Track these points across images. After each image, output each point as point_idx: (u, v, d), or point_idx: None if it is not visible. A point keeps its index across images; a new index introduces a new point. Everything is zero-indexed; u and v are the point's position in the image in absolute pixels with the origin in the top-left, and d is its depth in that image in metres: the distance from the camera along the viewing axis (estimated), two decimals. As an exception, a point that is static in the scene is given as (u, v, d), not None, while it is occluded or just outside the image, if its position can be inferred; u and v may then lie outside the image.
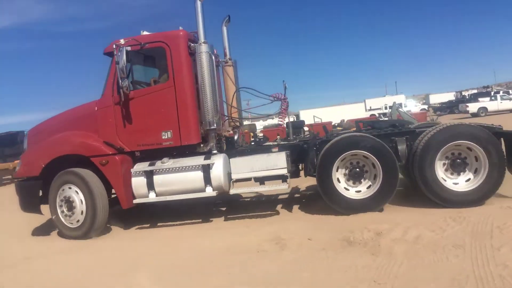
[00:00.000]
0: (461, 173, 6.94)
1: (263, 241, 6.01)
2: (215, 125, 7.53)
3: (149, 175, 7.56)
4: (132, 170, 7.65)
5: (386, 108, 43.49)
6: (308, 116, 40.64)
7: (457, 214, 6.04)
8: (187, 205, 9.91)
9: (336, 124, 25.83)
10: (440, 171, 6.90)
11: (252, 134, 27.59)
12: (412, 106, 51.33)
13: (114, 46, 7.38)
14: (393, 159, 6.90)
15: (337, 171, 7.14)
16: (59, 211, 7.72)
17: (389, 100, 48.29)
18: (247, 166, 7.56)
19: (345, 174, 7.24)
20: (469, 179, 6.87)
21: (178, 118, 7.54)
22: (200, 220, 8.05)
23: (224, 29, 9.10)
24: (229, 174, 7.54)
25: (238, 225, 7.23)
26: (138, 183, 7.59)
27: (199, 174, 7.42)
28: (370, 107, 53.62)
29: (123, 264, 5.84)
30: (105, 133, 7.79)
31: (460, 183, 6.88)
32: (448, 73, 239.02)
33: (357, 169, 7.17)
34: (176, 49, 7.57)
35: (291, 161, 7.59)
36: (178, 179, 7.52)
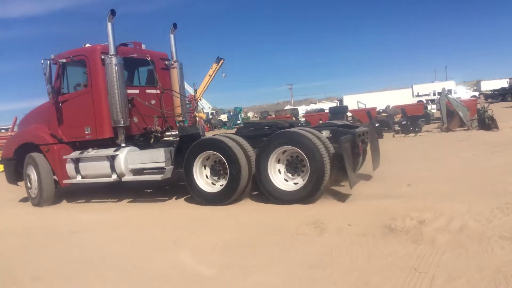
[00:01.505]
0: (298, 174, 7.64)
1: (302, 224, 6.04)
2: (122, 123, 9.15)
3: (76, 161, 9.62)
4: (65, 157, 9.72)
5: (434, 94, 42.03)
6: (352, 102, 40.00)
7: (504, 205, 5.83)
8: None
9: (381, 110, 25.26)
10: (274, 171, 7.69)
11: (294, 118, 27.68)
12: (462, 92, 49.34)
13: (42, 61, 9.32)
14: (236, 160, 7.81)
15: (201, 167, 8.35)
16: (25, 184, 10.27)
17: (438, 86, 46.60)
18: (139, 158, 9.04)
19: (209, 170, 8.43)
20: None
21: (94, 116, 9.34)
22: (241, 202, 8.15)
23: (171, 36, 10.80)
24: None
25: (277, 208, 7.26)
26: (69, 167, 9.73)
27: (108, 163, 9.23)
28: (418, 93, 51.89)
29: (166, 241, 6.04)
30: (51, 127, 10.00)
31: (295, 183, 7.62)
32: (502, 58, 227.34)
33: (218, 167, 8.27)
34: (93, 61, 9.30)
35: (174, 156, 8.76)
36: (94, 166, 9.45)
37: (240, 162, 7.78)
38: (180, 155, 8.60)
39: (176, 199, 9.35)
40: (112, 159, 9.16)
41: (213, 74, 61.44)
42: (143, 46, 10.43)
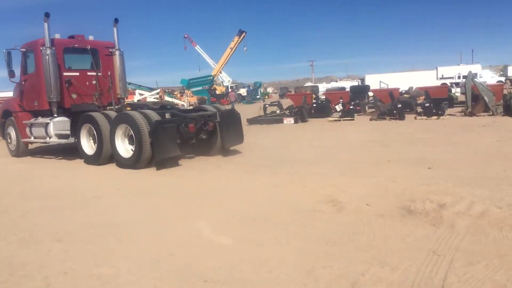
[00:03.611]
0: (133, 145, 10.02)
1: (320, 202, 6.04)
2: (54, 99, 11.83)
3: (30, 126, 12.80)
4: (24, 122, 12.91)
5: (459, 77, 41.04)
6: (374, 81, 39.37)
7: (529, 193, 5.72)
8: (245, 163, 10.12)
9: (403, 91, 24.84)
10: (121, 142, 10.33)
11: (314, 96, 27.43)
12: (488, 77, 47.92)
13: (4, 51, 12.51)
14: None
15: (87, 136, 11.32)
16: (6, 140, 14.05)
17: (463, 69, 45.43)
18: (58, 126, 11.92)
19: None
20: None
21: (38, 93, 12.20)
22: (257, 178, 8.19)
23: (114, 29, 13.26)
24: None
25: (295, 186, 7.27)
26: (26, 130, 12.95)
27: (44, 129, 12.19)
28: (442, 75, 50.66)
29: (184, 210, 6.13)
30: (20, 99, 13.26)
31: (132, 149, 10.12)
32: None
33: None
34: (36, 51, 12.03)
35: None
36: (39, 129, 12.53)
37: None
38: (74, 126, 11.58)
39: (197, 171, 9.44)
40: (46, 125, 12.07)
41: (234, 47, 61.01)
42: (91, 38, 13.14)
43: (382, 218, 5.20)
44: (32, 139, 12.91)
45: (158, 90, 41.58)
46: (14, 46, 12.55)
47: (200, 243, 4.76)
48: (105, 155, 10.63)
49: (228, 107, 46.74)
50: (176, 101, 43.07)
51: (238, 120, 11.68)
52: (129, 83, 45.73)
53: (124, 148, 10.25)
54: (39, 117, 12.53)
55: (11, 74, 12.79)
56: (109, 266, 4.21)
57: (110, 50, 13.21)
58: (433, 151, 9.93)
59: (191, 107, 14.36)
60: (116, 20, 13.21)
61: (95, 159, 10.82)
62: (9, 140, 13.77)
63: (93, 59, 12.81)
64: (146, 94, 39.51)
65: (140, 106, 12.28)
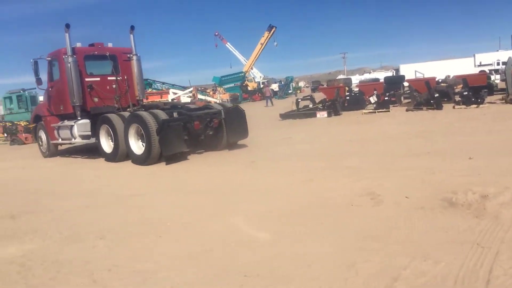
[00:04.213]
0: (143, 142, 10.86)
1: (358, 196, 5.96)
2: (77, 102, 12.90)
3: (57, 128, 13.93)
4: (52, 125, 14.09)
5: (498, 64, 39.55)
6: (409, 71, 38.46)
7: None
8: (278, 158, 10.12)
9: (440, 80, 24.11)
10: (134, 140, 11.24)
11: (347, 88, 27.08)
12: (529, 62, 46.01)
13: (31, 60, 13.53)
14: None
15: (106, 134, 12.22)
16: (39, 142, 15.16)
17: (502, 55, 43.67)
18: (81, 128, 13.02)
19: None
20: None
21: (63, 98, 13.30)
22: (291, 173, 8.16)
23: (131, 36, 14.00)
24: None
25: (331, 180, 7.20)
26: (54, 132, 14.09)
27: (69, 131, 13.34)
28: (480, 63, 48.90)
29: (220, 206, 6.19)
30: (48, 104, 14.50)
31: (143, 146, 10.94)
32: None
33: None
34: (59, 60, 13.14)
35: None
36: (65, 132, 13.63)
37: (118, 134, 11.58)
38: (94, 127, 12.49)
39: (228, 167, 9.52)
40: (71, 127, 13.25)
41: (265, 43, 61.00)
42: (110, 44, 14.03)
43: (423, 210, 5.08)
44: (60, 140, 14.08)
45: (191, 89, 42.09)
46: (40, 56, 13.70)
47: (237, 238, 4.79)
48: (122, 153, 11.57)
49: (262, 102, 46.73)
50: (209, 98, 43.50)
51: (243, 116, 12.23)
52: (163, 83, 46.60)
53: (137, 146, 11.17)
54: (65, 120, 13.69)
55: (39, 81, 13.91)
56: (150, 262, 4.30)
57: (128, 55, 14.04)
58: (473, 141, 9.63)
59: (197, 106, 15.06)
60: (132, 27, 13.96)
61: (113, 157, 11.79)
62: (40, 142, 15.03)
63: (113, 65, 13.73)
64: (180, 93, 40.09)
65: (151, 106, 12.91)
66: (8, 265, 4.57)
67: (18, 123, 23.91)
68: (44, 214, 6.68)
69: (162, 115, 10.92)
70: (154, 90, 43.45)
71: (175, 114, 11.43)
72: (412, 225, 4.63)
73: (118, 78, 13.76)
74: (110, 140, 11.99)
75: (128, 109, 13.15)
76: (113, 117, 11.85)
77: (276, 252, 4.27)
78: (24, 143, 21.16)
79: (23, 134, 21.85)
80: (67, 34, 12.58)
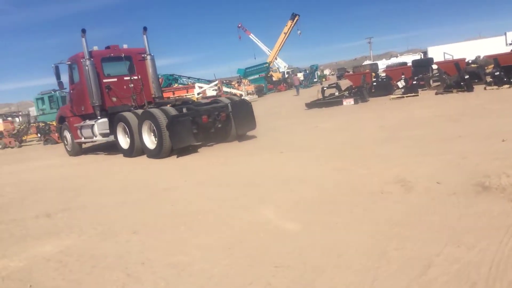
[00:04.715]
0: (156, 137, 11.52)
1: (387, 183, 5.89)
2: (96, 103, 13.58)
3: (80, 128, 14.62)
4: (75, 125, 14.79)
5: (532, 41, 38.04)
6: (438, 53, 37.49)
7: None
8: (304, 148, 10.08)
9: (470, 61, 23.44)
10: (147, 136, 11.91)
11: (374, 73, 26.73)
12: None
13: (52, 65, 14.41)
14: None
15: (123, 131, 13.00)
16: (64, 142, 15.99)
17: (536, 32, 42.03)
18: (101, 126, 13.62)
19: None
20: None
21: (83, 99, 14.01)
22: (320, 163, 8.12)
23: (144, 37, 14.62)
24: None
25: (359, 168, 7.13)
26: (78, 131, 14.78)
27: (90, 130, 13.95)
28: (512, 41, 47.20)
29: (249, 198, 6.22)
30: (70, 105, 15.37)
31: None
32: None
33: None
34: (78, 63, 13.84)
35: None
36: (86, 131, 14.28)
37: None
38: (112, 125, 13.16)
39: (255, 158, 9.55)
40: (92, 127, 13.84)
41: (288, 32, 60.62)
42: (125, 46, 14.66)
43: (455, 196, 4.98)
44: (83, 139, 14.80)
45: (216, 82, 42.27)
46: (60, 61, 14.54)
47: (268, 229, 4.81)
48: (137, 148, 12.26)
49: (287, 92, 46.47)
50: (234, 91, 43.62)
51: (250, 109, 12.77)
52: (189, 77, 47.02)
53: (150, 141, 11.84)
54: (87, 120, 14.44)
55: (60, 85, 14.84)
56: (183, 255, 4.38)
57: (142, 55, 14.69)
58: (506, 123, 9.33)
59: (208, 101, 15.30)
60: (144, 28, 14.59)
61: (130, 153, 12.52)
62: (65, 141, 15.94)
63: (128, 65, 14.46)
64: (205, 86, 40.32)
65: (163, 103, 13.39)
66: (46, 262, 4.74)
67: (51, 123, 24.58)
68: (79, 211, 6.88)
69: (172, 111, 11.53)
70: (180, 85, 43.88)
71: (184, 110, 12.03)
72: (445, 211, 4.55)
73: (134, 77, 14.39)
74: (127, 137, 12.63)
75: (144, 107, 13.77)
76: (128, 115, 12.50)
77: (306, 242, 4.27)
78: (57, 142, 21.75)
79: (56, 134, 22.47)
80: (83, 39, 13.28)
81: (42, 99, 30.78)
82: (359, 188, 5.92)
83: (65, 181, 10.28)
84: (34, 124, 26.85)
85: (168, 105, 12.50)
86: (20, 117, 41.21)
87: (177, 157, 11.04)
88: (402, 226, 4.34)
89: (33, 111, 38.57)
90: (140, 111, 12.47)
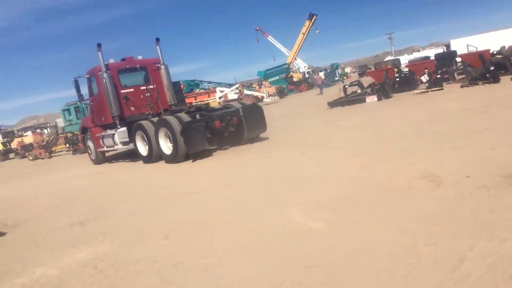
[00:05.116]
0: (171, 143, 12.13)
1: (415, 179, 5.83)
2: (115, 113, 14.15)
3: (102, 138, 15.29)
4: (97, 135, 15.49)
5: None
6: (461, 46, 36.71)
7: None
8: (327, 146, 10.05)
9: (495, 52, 22.88)
10: (163, 142, 12.50)
11: (396, 69, 26.34)
12: None
13: (72, 79, 15.14)
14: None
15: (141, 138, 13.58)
16: (88, 151, 16.71)
17: None
18: (121, 135, 14.18)
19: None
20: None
21: (103, 110, 14.56)
22: (343, 160, 8.09)
23: (157, 47, 15.17)
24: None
25: (384, 165, 7.07)
26: (100, 141, 15.43)
27: (111, 139, 14.64)
28: (538, 29, 45.81)
29: (272, 199, 6.25)
30: (91, 116, 15.92)
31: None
32: None
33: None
34: (96, 76, 14.49)
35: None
36: (108, 140, 14.98)
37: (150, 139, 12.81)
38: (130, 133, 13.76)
39: (278, 158, 9.57)
40: (112, 136, 14.50)
41: (307, 32, 60.38)
42: (140, 57, 15.24)
43: (485, 189, 4.90)
44: (105, 148, 15.47)
45: (237, 85, 42.42)
46: (79, 75, 15.25)
47: (294, 229, 4.83)
48: (155, 154, 12.80)
49: (308, 92, 46.29)
50: (255, 93, 43.70)
51: (261, 112, 13.28)
52: (210, 82, 47.36)
53: (167, 147, 12.37)
54: (108, 130, 15.07)
55: (81, 97, 15.62)
56: (213, 257, 4.44)
57: (157, 65, 15.21)
58: (536, 113, 9.11)
59: (220, 106, 15.81)
60: (157, 39, 15.21)
61: (149, 159, 13.09)
62: (89, 151, 16.63)
63: (144, 75, 15.08)
64: (226, 90, 40.51)
65: (177, 111, 13.68)
66: (82, 268, 4.87)
67: (78, 133, 25.16)
68: (111, 218, 7.04)
69: (186, 117, 12.07)
70: (202, 90, 44.23)
71: (197, 116, 12.61)
72: (475, 205, 4.48)
73: (150, 87, 14.93)
74: (145, 144, 13.21)
75: (160, 114, 14.14)
76: (145, 123, 13.05)
77: (334, 241, 4.28)
78: (85, 152, 22.25)
79: (83, 143, 22.98)
80: (99, 53, 13.86)
81: (68, 110, 31.48)
82: (385, 185, 5.88)
83: (95, 189, 10.53)
84: (62, 135, 27.52)
85: (182, 112, 12.98)
86: (48, 129, 42.40)
87: (193, 161, 11.57)
88: (431, 221, 4.29)
89: (60, 122, 39.49)
90: (156, 119, 12.98)
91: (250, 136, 12.99)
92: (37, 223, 7.61)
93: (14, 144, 31.65)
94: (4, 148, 32.06)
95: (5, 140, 33.75)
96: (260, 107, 13.61)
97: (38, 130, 41.04)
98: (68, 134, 26.33)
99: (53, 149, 26.40)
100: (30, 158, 25.81)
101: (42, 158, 25.07)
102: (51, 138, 27.51)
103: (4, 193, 12.85)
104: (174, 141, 11.80)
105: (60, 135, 27.87)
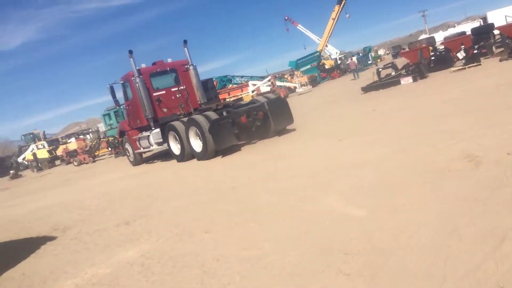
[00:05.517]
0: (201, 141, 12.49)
1: (454, 160, 5.73)
2: (149, 115, 14.76)
3: (138, 139, 15.86)
4: (133, 137, 16.10)
5: None
6: (499, 18, 35.23)
7: None
8: (363, 133, 9.94)
9: (535, 21, 21.81)
10: (194, 140, 12.93)
11: (431, 48, 25.59)
12: None
13: (108, 86, 15.60)
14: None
15: (174, 139, 14.01)
16: (127, 153, 17.45)
17: None
18: (155, 136, 14.74)
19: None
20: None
21: (138, 113, 15.23)
22: (381, 146, 8.01)
23: (185, 49, 15.74)
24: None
25: (422, 146, 6.96)
26: (137, 143, 16.00)
27: (147, 140, 15.18)
28: None
29: (310, 188, 6.29)
30: (128, 120, 16.76)
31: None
32: None
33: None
34: (130, 81, 15.08)
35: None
36: (144, 141, 15.52)
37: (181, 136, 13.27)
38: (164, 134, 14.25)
39: (315, 148, 9.57)
40: (148, 137, 15.03)
41: (336, 17, 59.46)
42: (169, 60, 15.74)
43: (528, 166, 4.77)
44: (142, 149, 16.08)
45: (269, 77, 42.39)
46: (114, 81, 15.84)
47: (334, 217, 4.87)
48: (187, 153, 13.25)
49: (342, 79, 45.66)
50: (288, 84, 43.54)
51: (286, 105, 13.58)
52: (242, 76, 47.57)
53: (197, 144, 12.82)
54: (143, 132, 15.77)
55: (117, 103, 16.36)
56: (255, 249, 4.55)
57: (186, 66, 15.69)
58: None
59: (245, 102, 16.24)
60: (185, 42, 15.76)
61: (182, 157, 13.55)
62: (128, 153, 17.37)
63: (174, 77, 15.60)
64: (259, 83, 40.58)
65: (205, 109, 14.05)
66: (130, 266, 5.10)
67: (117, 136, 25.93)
68: (155, 216, 7.29)
69: (213, 115, 12.55)
70: (234, 85, 44.52)
71: (224, 113, 13.03)
72: (517, 183, 4.37)
73: (180, 88, 15.46)
74: (177, 143, 13.66)
75: (191, 114, 14.67)
76: (176, 123, 13.53)
77: (374, 226, 4.29)
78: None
79: (125, 146, 23.69)
80: (131, 59, 14.46)
81: (108, 114, 32.47)
82: (425, 167, 5.80)
83: (138, 189, 10.88)
84: (104, 139, 28.43)
85: (210, 110, 13.32)
86: (90, 134, 43.85)
87: (222, 157, 12.05)
88: (472, 202, 4.23)
89: (101, 127, 40.79)
90: (186, 119, 13.43)
91: (277, 128, 13.27)
92: (85, 226, 7.97)
93: (59, 151, 33.00)
94: (50, 156, 33.46)
95: (50, 148, 35.22)
96: (284, 100, 14.08)
97: (81, 136, 42.63)
98: (109, 138, 27.18)
99: (96, 153, 27.32)
100: (75, 163, 26.84)
101: (87, 163, 26.01)
102: (93, 143, 28.47)
103: (53, 199, 13.47)
104: (203, 139, 12.22)
105: (102, 139, 28.80)
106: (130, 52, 14.41)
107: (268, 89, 38.50)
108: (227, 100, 29.05)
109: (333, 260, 3.81)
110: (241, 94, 37.61)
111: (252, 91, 38.29)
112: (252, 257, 4.33)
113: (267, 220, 5.43)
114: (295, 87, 42.97)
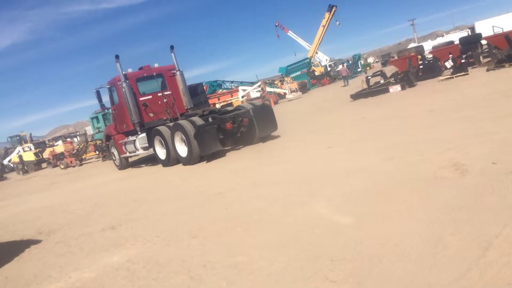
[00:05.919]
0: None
1: (441, 168, 5.78)
2: (135, 120, 14.68)
3: (124, 144, 15.90)
4: (119, 141, 16.13)
5: None
6: (486, 28, 35.73)
7: None
8: (351, 140, 10.00)
9: (522, 32, 22.16)
10: (179, 145, 13.01)
11: (420, 56, 25.90)
12: None
13: (94, 90, 15.61)
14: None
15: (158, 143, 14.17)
16: (113, 157, 17.47)
17: None
18: (141, 141, 14.75)
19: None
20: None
21: (124, 118, 15.18)
22: (368, 153, 8.06)
23: (172, 54, 15.74)
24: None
25: (410, 156, 7.01)
26: (123, 147, 15.99)
27: (133, 145, 15.25)
28: None
29: (300, 195, 6.29)
30: (114, 124, 16.62)
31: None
32: None
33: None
34: (116, 86, 15.06)
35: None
36: (129, 146, 15.58)
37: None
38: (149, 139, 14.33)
39: (303, 155, 9.59)
40: (134, 142, 15.09)
41: (327, 24, 59.95)
42: (156, 65, 15.80)
43: (512, 175, 4.82)
44: (128, 154, 16.14)
45: (259, 83, 42.48)
46: (100, 85, 15.89)
47: (322, 224, 4.87)
48: (173, 157, 13.34)
49: (331, 86, 45.93)
50: (278, 90, 43.68)
51: (270, 112, 13.92)
52: (232, 82, 47.66)
53: (183, 149, 12.87)
54: (129, 136, 15.77)
55: (103, 107, 16.62)
56: (242, 255, 4.53)
57: (172, 71, 15.74)
58: None
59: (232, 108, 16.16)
60: (171, 47, 15.77)
61: (167, 162, 13.63)
62: (114, 157, 17.42)
63: (160, 82, 15.57)
64: (249, 88, 40.65)
65: (191, 115, 14.18)
66: (115, 271, 5.04)
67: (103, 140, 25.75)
68: (141, 221, 7.23)
69: (199, 121, 12.63)
70: (224, 90, 44.53)
71: (210, 119, 13.05)
72: (503, 192, 4.42)
73: (166, 93, 15.48)
74: (163, 148, 13.72)
75: (177, 119, 14.71)
76: (162, 128, 13.61)
77: (361, 234, 4.30)
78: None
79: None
80: (117, 64, 14.47)
81: (96, 117, 32.24)
82: (412, 175, 5.84)
83: (124, 194, 10.79)
84: (92, 143, 28.21)
85: (196, 116, 13.38)
86: (78, 137, 43.45)
87: (207, 162, 12.30)
88: (458, 210, 4.27)
89: (89, 130, 40.45)
90: (172, 124, 13.50)
91: (261, 135, 13.49)
92: (70, 230, 7.88)
93: (46, 154, 32.67)
94: (36, 159, 33.11)
95: (37, 150, 34.84)
96: (269, 107, 14.46)
97: (68, 139, 42.20)
98: (97, 142, 26.98)
99: (83, 156, 27.10)
100: (62, 166, 26.58)
101: (73, 166, 25.77)
102: (81, 146, 28.24)
103: (38, 202, 13.31)
104: (188, 144, 12.35)
105: (89, 142, 28.57)
106: (117, 57, 14.45)
107: (258, 94, 38.57)
108: (217, 105, 29.04)
109: (320, 267, 3.80)
110: (231, 99, 37.63)
111: (242, 97, 38.33)
112: (239, 263, 4.31)
113: (255, 226, 5.42)
114: (285, 93, 43.13)
